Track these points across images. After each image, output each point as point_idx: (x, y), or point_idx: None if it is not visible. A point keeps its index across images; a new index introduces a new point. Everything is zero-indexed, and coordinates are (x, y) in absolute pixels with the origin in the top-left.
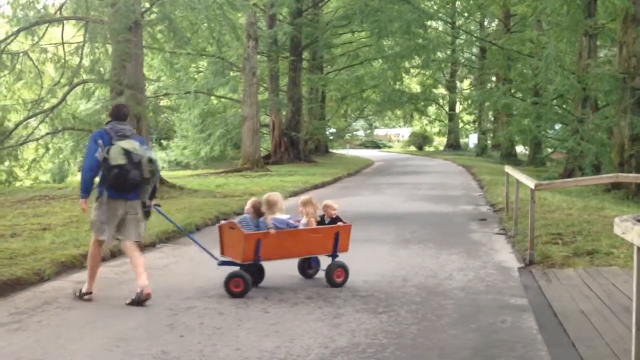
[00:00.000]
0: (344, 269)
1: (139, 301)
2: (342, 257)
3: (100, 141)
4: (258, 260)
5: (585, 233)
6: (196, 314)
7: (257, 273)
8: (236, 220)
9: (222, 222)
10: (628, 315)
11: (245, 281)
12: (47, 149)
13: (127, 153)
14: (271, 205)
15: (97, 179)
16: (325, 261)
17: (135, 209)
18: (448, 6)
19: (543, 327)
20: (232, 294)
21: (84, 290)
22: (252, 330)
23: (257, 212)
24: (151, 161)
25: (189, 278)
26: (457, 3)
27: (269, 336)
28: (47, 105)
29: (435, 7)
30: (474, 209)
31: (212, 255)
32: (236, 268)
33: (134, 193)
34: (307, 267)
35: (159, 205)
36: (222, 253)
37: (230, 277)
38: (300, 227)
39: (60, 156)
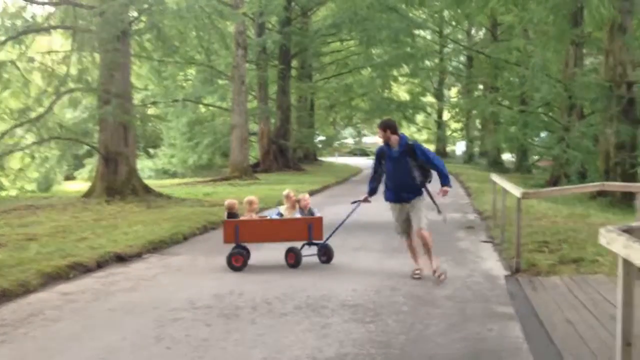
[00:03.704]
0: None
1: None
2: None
3: None
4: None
5: (571, 241)
6: (183, 325)
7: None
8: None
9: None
10: (613, 324)
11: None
12: (33, 158)
13: None
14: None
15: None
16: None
17: None
18: (436, 15)
19: (529, 336)
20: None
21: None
22: (239, 341)
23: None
24: None
25: (175, 289)
26: (445, 12)
27: (257, 347)
28: (33, 115)
29: (423, 16)
30: (461, 217)
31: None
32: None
33: None
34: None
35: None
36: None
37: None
38: None
39: (47, 165)
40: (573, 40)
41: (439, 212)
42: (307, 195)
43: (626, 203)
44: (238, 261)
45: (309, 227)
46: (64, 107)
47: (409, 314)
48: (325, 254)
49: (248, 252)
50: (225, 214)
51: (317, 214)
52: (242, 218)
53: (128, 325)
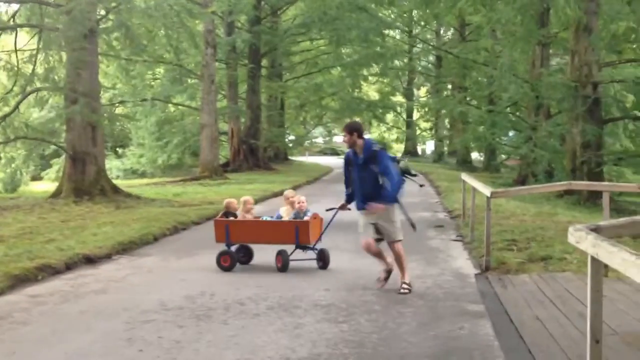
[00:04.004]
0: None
1: None
2: None
3: None
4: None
5: (539, 239)
6: (155, 327)
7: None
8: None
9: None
10: (582, 321)
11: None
12: None
13: None
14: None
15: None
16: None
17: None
18: (405, 15)
19: (500, 334)
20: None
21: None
22: (212, 343)
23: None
24: None
25: (146, 290)
26: (414, 12)
27: (230, 349)
28: None
29: (392, 16)
30: (431, 216)
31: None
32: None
33: None
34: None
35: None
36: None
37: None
38: None
39: (12, 165)
40: (540, 41)
41: (413, 226)
42: (302, 197)
43: (592, 201)
44: (226, 261)
45: (295, 230)
46: (30, 107)
47: (381, 313)
48: (321, 259)
49: (250, 252)
50: (222, 212)
51: (308, 217)
52: (238, 217)
53: (98, 328)
